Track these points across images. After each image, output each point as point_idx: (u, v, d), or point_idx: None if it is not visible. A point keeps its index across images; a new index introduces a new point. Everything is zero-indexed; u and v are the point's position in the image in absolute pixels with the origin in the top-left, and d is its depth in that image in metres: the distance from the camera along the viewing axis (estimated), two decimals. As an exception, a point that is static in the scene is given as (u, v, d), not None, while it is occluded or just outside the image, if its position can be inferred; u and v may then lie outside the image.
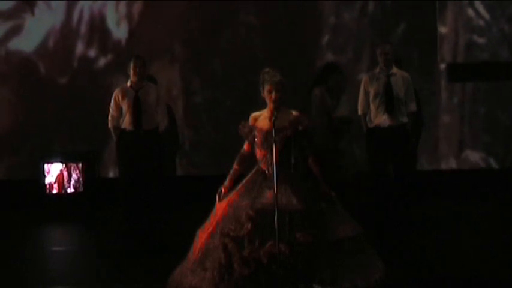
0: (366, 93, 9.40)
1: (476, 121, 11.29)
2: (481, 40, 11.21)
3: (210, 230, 6.50)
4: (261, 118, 6.65)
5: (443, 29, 11.17)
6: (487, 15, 11.17)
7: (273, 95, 6.56)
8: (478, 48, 11.20)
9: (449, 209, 10.26)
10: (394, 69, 9.38)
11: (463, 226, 9.46)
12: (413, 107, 9.44)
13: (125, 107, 9.38)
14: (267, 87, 6.58)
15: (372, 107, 9.36)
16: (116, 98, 9.44)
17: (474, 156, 11.30)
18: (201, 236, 6.53)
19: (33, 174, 10.59)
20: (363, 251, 6.47)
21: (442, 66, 11.19)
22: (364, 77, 9.54)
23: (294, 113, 6.64)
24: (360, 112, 9.51)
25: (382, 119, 9.31)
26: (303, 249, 6.23)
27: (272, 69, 6.65)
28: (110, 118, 9.50)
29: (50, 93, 11.17)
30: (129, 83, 9.46)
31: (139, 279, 7.39)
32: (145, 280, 7.31)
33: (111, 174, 11.06)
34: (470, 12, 11.18)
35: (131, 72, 9.38)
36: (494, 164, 11.27)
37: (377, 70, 9.40)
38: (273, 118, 6.38)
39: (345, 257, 6.33)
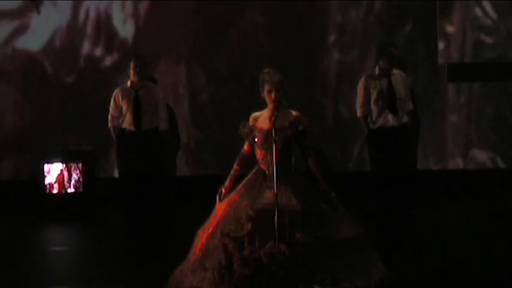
0: (367, 95, 9.35)
1: (484, 120, 11.23)
2: (488, 39, 11.15)
3: (210, 230, 6.51)
4: (261, 118, 6.65)
5: (450, 28, 11.13)
6: (494, 15, 11.11)
7: (273, 94, 6.56)
8: (485, 47, 11.15)
9: (453, 209, 10.23)
10: (393, 69, 9.37)
11: (467, 226, 9.44)
12: (410, 105, 9.48)
13: (125, 106, 9.40)
14: (266, 87, 6.58)
15: (374, 108, 9.31)
16: (116, 97, 9.46)
17: (481, 156, 11.24)
18: (201, 237, 6.54)
19: (34, 174, 10.58)
20: (363, 251, 6.47)
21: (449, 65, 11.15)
22: (362, 79, 9.49)
23: (294, 113, 6.64)
24: (360, 114, 9.45)
25: (386, 120, 9.29)
26: (303, 249, 6.24)
27: (271, 69, 6.65)
28: (109, 118, 9.53)
29: (56, 92, 11.17)
30: (129, 83, 9.47)
31: (139, 279, 7.39)
32: (146, 280, 7.31)
33: (111, 174, 11.04)
34: (478, 11, 11.12)
35: (131, 72, 9.39)
36: (501, 164, 11.20)
37: (376, 71, 9.37)
38: (273, 118, 6.39)
39: (345, 257, 6.33)
